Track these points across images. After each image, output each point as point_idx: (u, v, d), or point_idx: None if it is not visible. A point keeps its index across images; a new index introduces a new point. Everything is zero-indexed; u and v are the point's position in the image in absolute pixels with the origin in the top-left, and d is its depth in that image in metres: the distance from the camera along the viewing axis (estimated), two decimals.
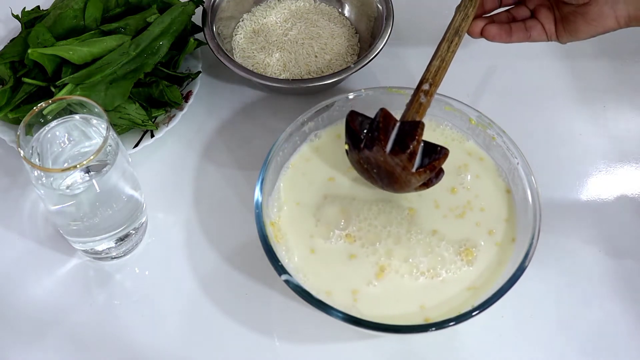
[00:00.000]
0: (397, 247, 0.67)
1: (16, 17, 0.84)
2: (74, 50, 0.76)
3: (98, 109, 0.63)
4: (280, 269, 0.62)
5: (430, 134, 0.73)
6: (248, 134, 0.83)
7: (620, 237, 0.76)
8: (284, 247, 0.66)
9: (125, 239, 0.72)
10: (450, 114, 0.73)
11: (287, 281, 0.62)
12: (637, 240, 0.75)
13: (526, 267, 0.62)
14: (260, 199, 0.66)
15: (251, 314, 0.70)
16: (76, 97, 0.64)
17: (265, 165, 0.68)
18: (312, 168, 0.72)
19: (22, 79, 0.76)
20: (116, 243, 0.71)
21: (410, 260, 0.66)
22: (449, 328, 0.60)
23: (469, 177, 0.71)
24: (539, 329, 0.70)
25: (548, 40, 0.72)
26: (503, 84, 0.88)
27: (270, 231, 0.66)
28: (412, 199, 0.69)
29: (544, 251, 0.73)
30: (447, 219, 0.68)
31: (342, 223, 0.68)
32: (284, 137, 0.70)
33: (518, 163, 0.68)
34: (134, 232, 0.72)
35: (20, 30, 0.83)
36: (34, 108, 0.63)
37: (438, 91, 0.67)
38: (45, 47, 0.76)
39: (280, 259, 0.63)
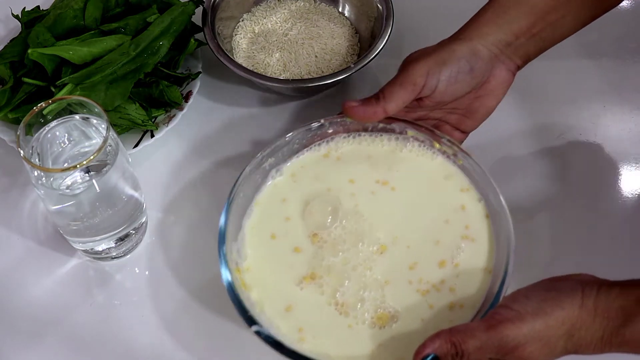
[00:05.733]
0: (339, 269, 0.64)
1: (16, 17, 0.83)
2: (74, 50, 0.76)
3: (98, 109, 0.63)
4: (250, 321, 0.59)
5: (397, 155, 0.71)
6: (248, 134, 0.83)
7: (621, 237, 0.75)
8: (252, 293, 0.63)
9: (125, 239, 0.72)
10: (414, 137, 0.71)
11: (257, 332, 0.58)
12: (638, 240, 0.75)
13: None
14: (224, 247, 0.62)
15: None
16: (76, 97, 0.64)
17: (226, 210, 0.64)
18: (278, 205, 0.69)
19: (22, 79, 0.76)
20: (116, 243, 0.71)
21: (339, 288, 0.63)
22: None
23: (463, 250, 0.65)
24: None
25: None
26: None
27: (237, 278, 0.62)
28: (395, 240, 0.66)
29: (543, 252, 0.73)
30: (411, 285, 0.63)
31: (328, 220, 0.66)
32: (244, 177, 0.66)
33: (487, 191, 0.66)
34: (134, 232, 0.72)
35: (20, 30, 0.83)
36: (34, 108, 0.63)
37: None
38: (45, 47, 0.76)
39: (248, 308, 0.59)
